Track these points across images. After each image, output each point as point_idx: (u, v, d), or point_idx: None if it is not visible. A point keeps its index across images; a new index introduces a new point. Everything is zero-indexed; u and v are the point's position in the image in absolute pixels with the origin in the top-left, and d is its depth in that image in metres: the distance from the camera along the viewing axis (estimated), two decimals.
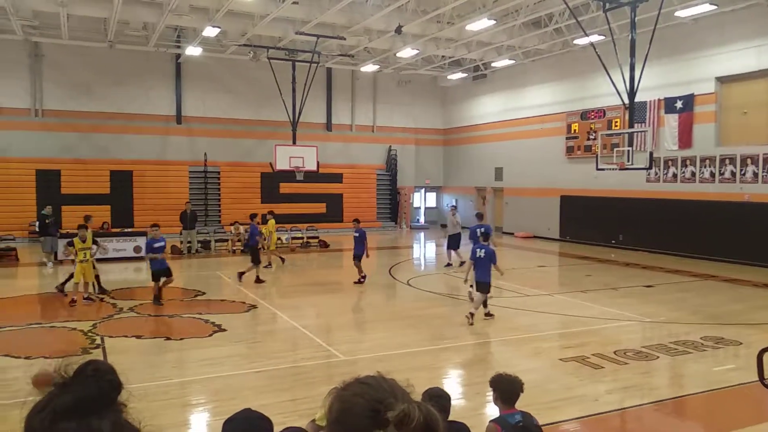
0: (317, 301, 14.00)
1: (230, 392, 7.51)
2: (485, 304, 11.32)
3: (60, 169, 25.06)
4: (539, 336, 10.52)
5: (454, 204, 26.83)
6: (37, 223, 20.38)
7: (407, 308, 13.25)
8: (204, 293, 14.20)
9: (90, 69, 25.67)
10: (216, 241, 22.97)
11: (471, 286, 11.68)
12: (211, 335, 10.38)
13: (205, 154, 27.52)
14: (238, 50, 24.83)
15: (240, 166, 28.37)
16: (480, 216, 16.62)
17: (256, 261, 15.63)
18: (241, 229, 23.26)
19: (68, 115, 25.52)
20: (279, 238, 23.67)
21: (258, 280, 15.52)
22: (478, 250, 11.29)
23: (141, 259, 19.45)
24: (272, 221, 19.02)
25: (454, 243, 18.65)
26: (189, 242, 21.48)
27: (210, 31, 21.32)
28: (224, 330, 10.63)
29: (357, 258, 15.33)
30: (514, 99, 28.69)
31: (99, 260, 17.02)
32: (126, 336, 10.27)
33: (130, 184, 26.21)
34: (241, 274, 15.65)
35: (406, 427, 1.23)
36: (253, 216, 16.90)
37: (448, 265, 18.41)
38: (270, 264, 18.30)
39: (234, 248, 22.18)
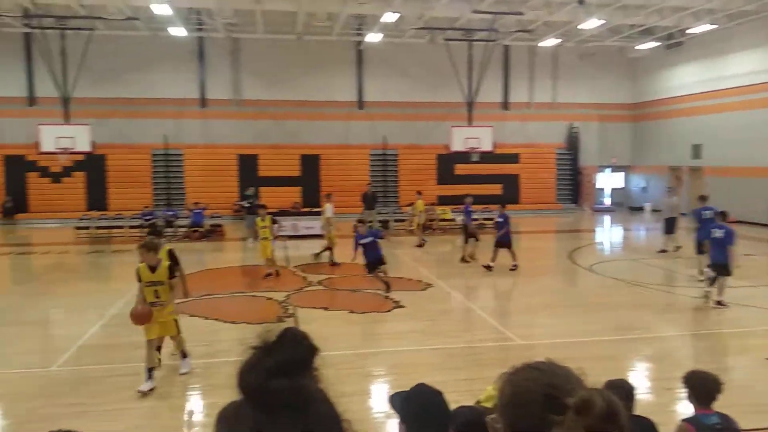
0: (492, 282, 13.90)
1: (407, 367, 7.76)
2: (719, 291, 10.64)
3: (257, 153, 27.58)
4: (746, 332, 9.43)
5: (669, 186, 24.40)
6: (243, 203, 22.65)
7: (589, 295, 12.63)
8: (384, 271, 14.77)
9: (282, 60, 27.80)
10: (395, 221, 23.77)
11: (707, 267, 11.02)
12: (390, 311, 10.80)
13: (385, 137, 28.50)
14: (416, 34, 25.24)
15: (416, 149, 28.96)
16: (703, 198, 15.13)
17: (472, 238, 15.88)
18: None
19: (264, 104, 27.94)
20: (453, 219, 23.85)
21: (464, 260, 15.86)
22: (715, 229, 10.61)
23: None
24: (420, 202, 19.49)
25: (669, 227, 17.19)
26: (370, 222, 22.47)
27: (389, 17, 21.91)
28: (403, 306, 11.00)
29: (500, 245, 14.59)
30: (714, 68, 25.72)
31: (291, 237, 18.49)
32: (314, 307, 11.07)
33: (318, 167, 28.05)
34: (464, 258, 15.93)
35: (586, 415, 1.18)
36: (466, 197, 17.09)
37: (663, 251, 16.97)
38: (422, 243, 18.90)
39: (411, 228, 22.79)
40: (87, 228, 21.60)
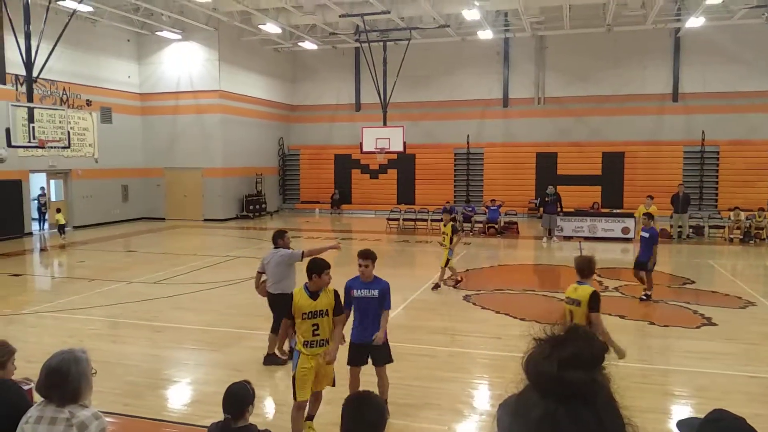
0: None
1: (717, 391, 6.84)
2: None
3: (557, 151, 27.11)
4: None
5: None
6: (538, 201, 22.55)
7: None
8: (693, 282, 13.26)
9: (587, 55, 26.80)
10: (710, 227, 21.05)
11: None
12: (698, 327, 9.63)
13: (703, 132, 25.42)
14: (747, 14, 21.87)
15: (743, 145, 25.17)
16: None
17: None
18: (742, 215, 20.71)
19: (566, 101, 27.32)
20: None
21: None
22: None
23: (629, 240, 19.44)
24: (652, 206, 15.64)
25: None
26: (680, 227, 20.31)
27: None
28: (714, 324, 9.72)
29: (639, 266, 11.49)
30: None
31: (587, 238, 17.79)
32: (610, 314, 10.46)
33: (621, 165, 26.38)
34: None
35: None
36: None
37: None
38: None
39: (731, 236, 19.95)
40: (396, 219, 23.90)
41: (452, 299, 11.54)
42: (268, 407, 6.51)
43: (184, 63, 25.83)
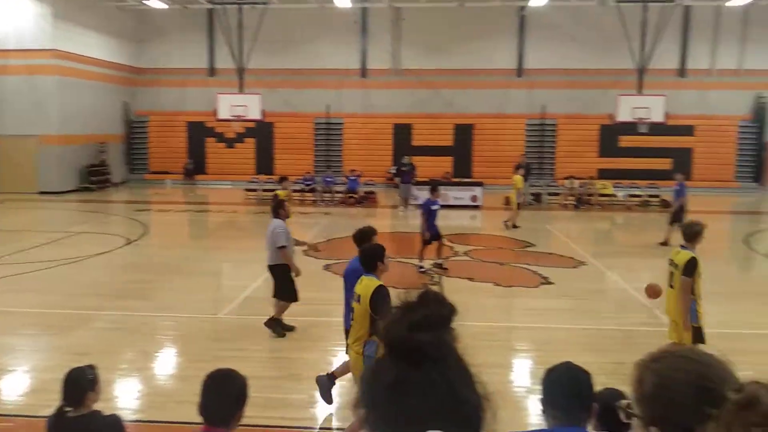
0: (653, 264, 12.94)
1: (554, 344, 7.54)
2: None
3: (412, 123, 27.91)
4: None
5: None
6: (395, 171, 23.16)
7: (764, 283, 11.34)
8: (533, 245, 14.40)
9: (442, 28, 27.63)
10: (548, 194, 22.96)
11: None
12: (538, 286, 10.52)
13: (543, 106, 27.44)
14: None
15: (578, 118, 27.53)
16: None
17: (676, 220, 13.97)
18: (576, 184, 22.82)
19: (422, 73, 28.07)
20: (613, 195, 22.53)
21: None
22: None
23: (477, 207, 20.67)
24: (517, 177, 17.19)
25: None
26: (522, 194, 21.88)
27: None
28: (552, 283, 10.67)
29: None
30: None
31: (440, 206, 18.55)
32: (460, 277, 11.09)
33: (471, 136, 27.78)
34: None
35: (750, 411, 1.10)
36: (676, 174, 15.22)
37: None
38: (511, 226, 16.57)
39: (566, 202, 21.92)
40: (255, 190, 23.38)
41: (313, 269, 11.58)
42: (118, 391, 6.16)
43: (10, 17, 22.99)
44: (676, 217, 13.86)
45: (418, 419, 1.12)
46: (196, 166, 27.81)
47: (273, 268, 8.08)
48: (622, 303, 9.77)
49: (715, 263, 13.10)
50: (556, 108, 27.49)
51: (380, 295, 4.73)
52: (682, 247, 6.34)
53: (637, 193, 22.85)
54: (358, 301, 4.88)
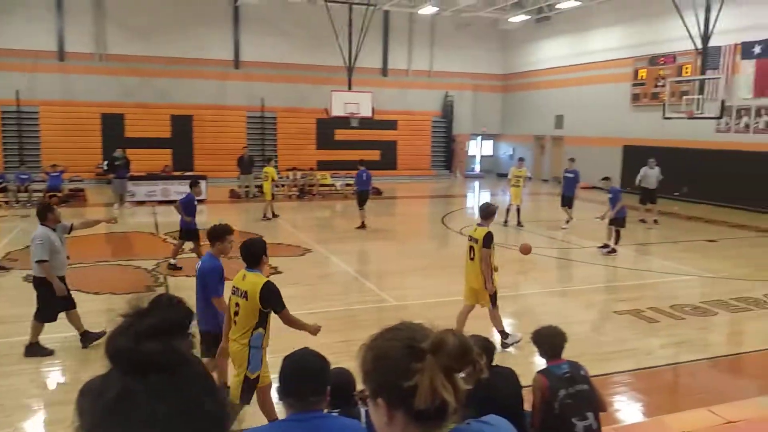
0: (370, 247, 14.18)
1: (288, 330, 7.77)
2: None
3: (123, 113, 25.79)
4: (593, 288, 10.38)
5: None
6: (106, 165, 21.14)
7: (459, 256, 13.25)
8: (261, 236, 14.55)
9: (151, 13, 25.98)
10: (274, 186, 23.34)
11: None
12: (268, 276, 10.67)
13: (263, 99, 27.75)
14: None
15: (296, 112, 28.48)
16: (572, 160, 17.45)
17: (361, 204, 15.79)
18: (298, 175, 23.70)
19: (131, 60, 26.03)
20: (332, 185, 23.96)
21: None
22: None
23: (201, 201, 20.03)
24: (269, 168, 17.76)
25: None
26: (246, 187, 21.96)
27: None
28: (281, 272, 10.94)
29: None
30: (578, 43, 27.52)
31: (160, 202, 17.71)
32: (187, 276, 10.69)
33: (190, 128, 26.80)
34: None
35: (442, 352, 1.29)
36: (360, 162, 16.65)
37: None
38: (270, 216, 17.39)
39: (290, 193, 22.62)
40: None
41: (8, 283, 10.04)
42: None
43: None
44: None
45: None
46: None
47: (35, 281, 7.14)
48: (347, 285, 10.50)
49: (420, 241, 14.90)
50: (275, 101, 28.04)
51: (270, 291, 5.10)
52: (479, 225, 7.36)
53: (351, 182, 24.61)
54: (245, 297, 5.02)
